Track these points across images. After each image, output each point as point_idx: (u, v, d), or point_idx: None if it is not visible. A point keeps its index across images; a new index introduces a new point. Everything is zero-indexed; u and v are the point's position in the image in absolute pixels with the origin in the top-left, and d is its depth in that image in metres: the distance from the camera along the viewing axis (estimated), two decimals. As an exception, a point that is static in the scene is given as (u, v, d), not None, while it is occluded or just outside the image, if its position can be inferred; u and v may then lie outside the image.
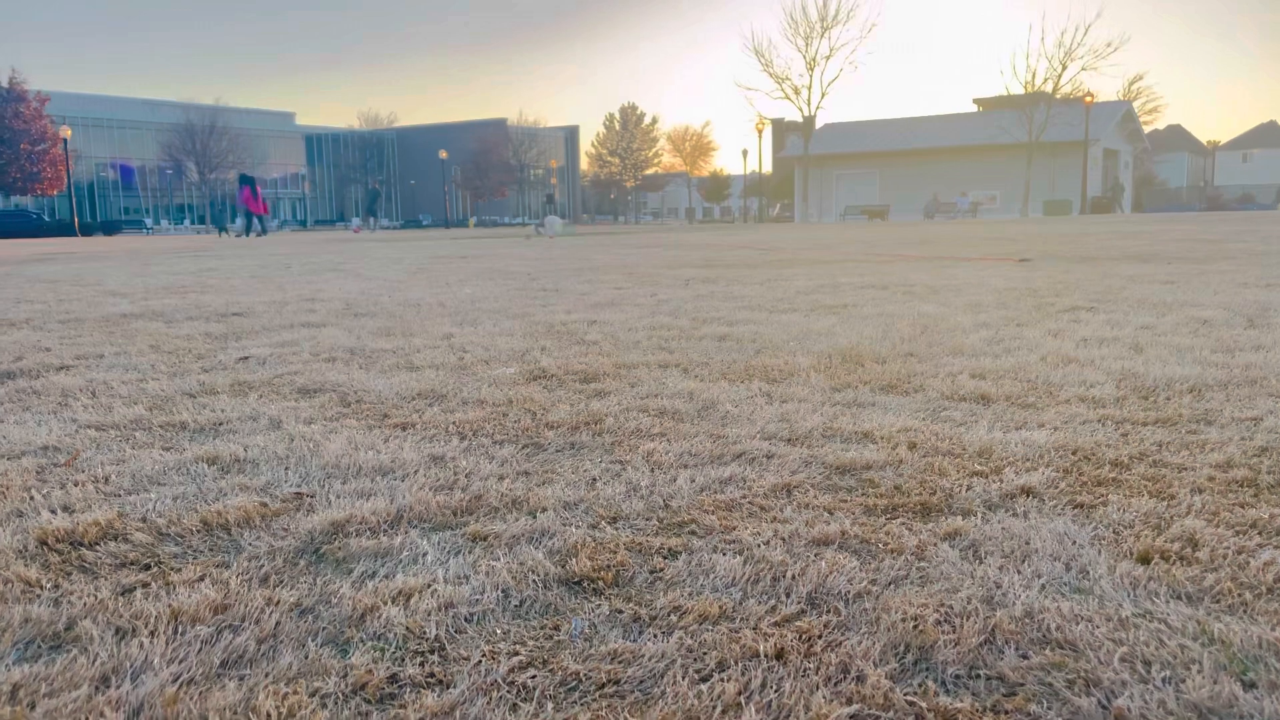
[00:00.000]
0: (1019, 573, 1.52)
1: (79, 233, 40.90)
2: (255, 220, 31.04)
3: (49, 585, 1.56)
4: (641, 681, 1.22)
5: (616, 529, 1.79)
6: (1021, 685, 1.18)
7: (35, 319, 5.70)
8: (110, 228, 49.18)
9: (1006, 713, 1.12)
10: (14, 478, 2.18)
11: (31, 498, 2.03)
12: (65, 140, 45.52)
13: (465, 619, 1.41)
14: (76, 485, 2.11)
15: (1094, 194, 52.99)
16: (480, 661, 1.28)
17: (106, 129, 70.86)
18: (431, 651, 1.32)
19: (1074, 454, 2.21)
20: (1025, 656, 1.25)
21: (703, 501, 1.93)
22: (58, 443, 2.52)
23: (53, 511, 1.93)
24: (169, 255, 16.53)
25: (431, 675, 1.25)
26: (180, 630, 1.38)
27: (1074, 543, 1.64)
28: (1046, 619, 1.34)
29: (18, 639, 1.36)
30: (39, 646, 1.35)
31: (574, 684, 1.22)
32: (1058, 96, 54.64)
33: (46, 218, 45.65)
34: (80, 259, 15.34)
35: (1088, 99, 51.35)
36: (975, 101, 66.39)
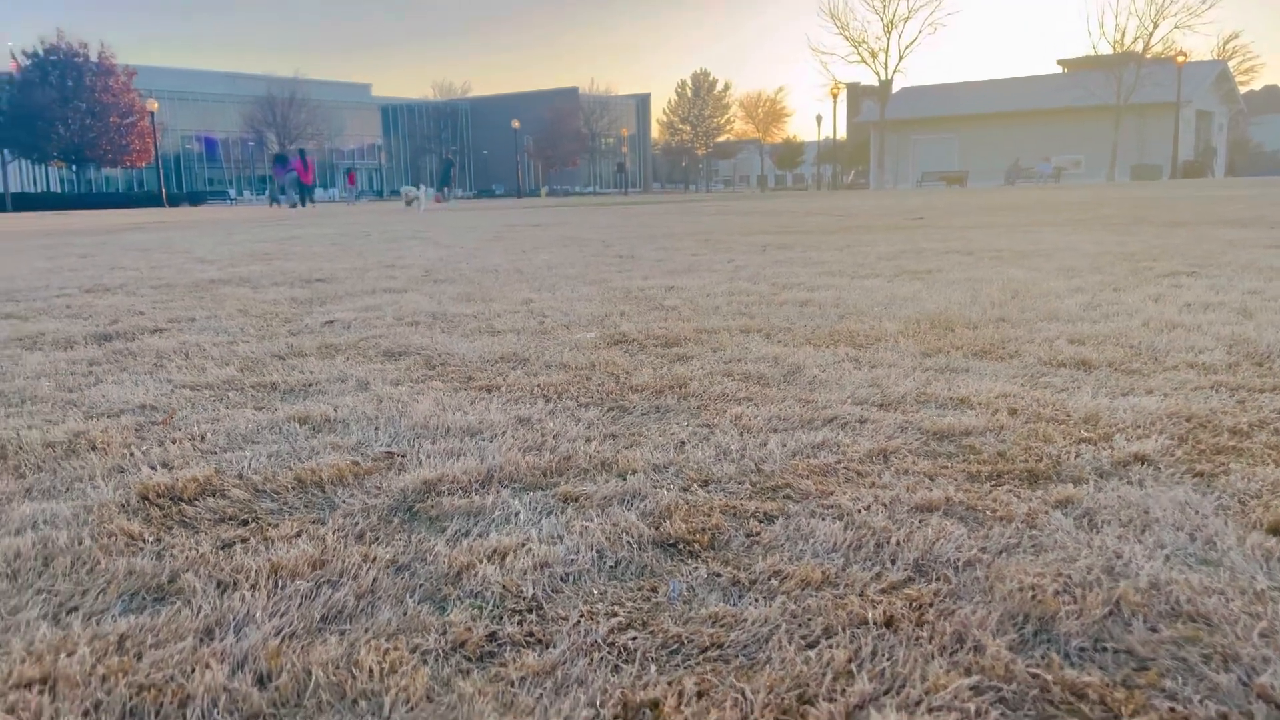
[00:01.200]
0: (1140, 543, 1.44)
1: (166, 204, 42.10)
2: (304, 190, 32.07)
3: (151, 539, 1.58)
4: (745, 646, 1.18)
5: (709, 492, 1.75)
6: (1153, 660, 1.11)
7: (129, 284, 5.87)
8: (195, 198, 50.59)
9: (1139, 688, 1.05)
10: (114, 435, 2.23)
11: (131, 454, 2.06)
12: (152, 113, 46.79)
13: (561, 579, 1.39)
14: (174, 443, 2.15)
15: (1185, 158, 50.88)
16: (579, 622, 1.25)
17: (190, 102, 72.64)
18: (529, 611, 1.29)
19: (1188, 421, 2.10)
20: (1155, 630, 1.18)
21: (796, 466, 1.88)
22: (154, 402, 2.57)
23: (152, 468, 1.96)
24: (252, 225, 16.90)
25: (530, 634, 1.23)
26: (280, 585, 1.38)
27: (1197, 512, 1.55)
28: (1175, 591, 1.27)
29: (123, 591, 1.38)
30: (143, 599, 1.36)
31: (676, 647, 1.19)
32: (1148, 56, 52.48)
33: (135, 189, 47.10)
34: (168, 228, 15.78)
35: (1180, 59, 49.21)
36: (1060, 63, 64.23)
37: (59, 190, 56.91)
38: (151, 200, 43.74)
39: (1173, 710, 1.01)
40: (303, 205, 31.20)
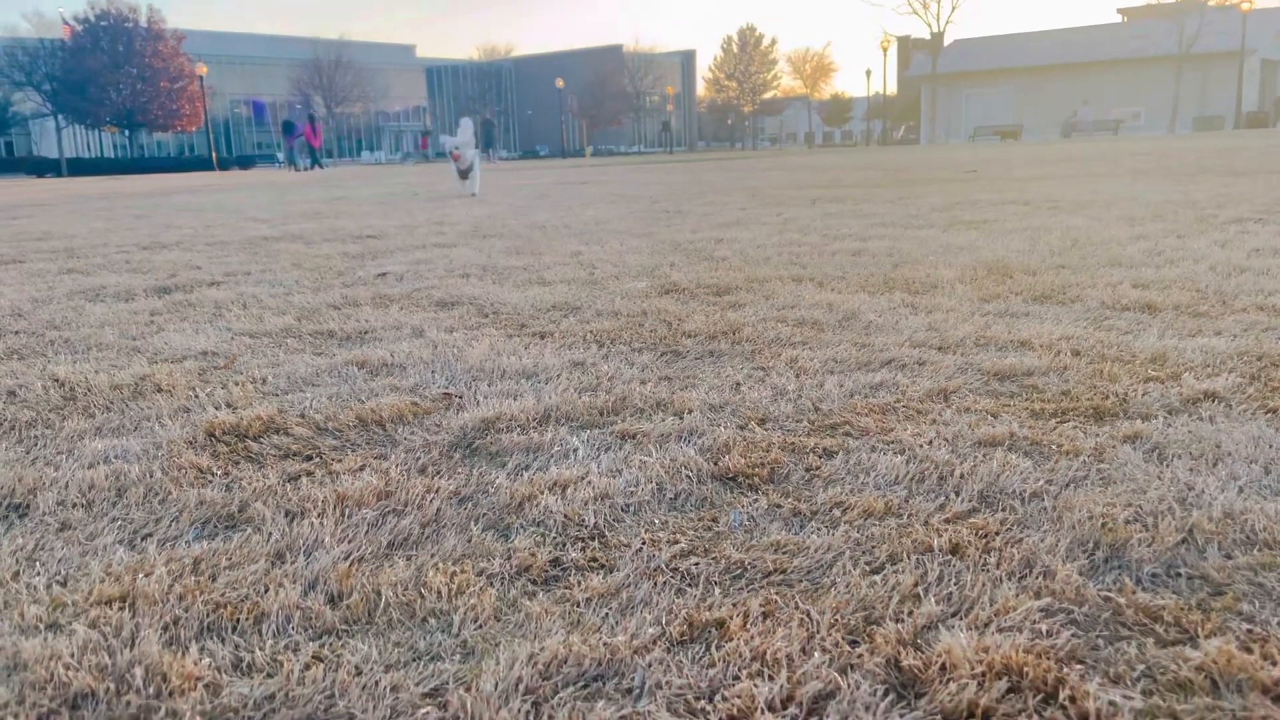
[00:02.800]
0: (1213, 475, 1.41)
1: (216, 167, 42.66)
2: (315, 154, 32.44)
3: (219, 472, 1.61)
4: (810, 571, 1.18)
5: (767, 430, 1.74)
6: (1229, 585, 1.09)
7: (184, 241, 5.96)
8: (245, 162, 51.14)
9: (1215, 611, 1.03)
10: (178, 378, 2.27)
11: (196, 395, 2.11)
12: (201, 77, 47.25)
13: (622, 509, 1.40)
14: (237, 385, 2.19)
15: (1249, 109, 49.18)
16: (641, 549, 1.26)
17: (238, 66, 73.21)
18: (592, 538, 1.30)
19: (1259, 360, 2.04)
20: (1229, 556, 1.15)
21: (854, 405, 1.86)
22: (215, 349, 2.62)
23: (217, 408, 2.00)
24: (301, 185, 17.06)
25: (594, 560, 1.24)
26: (347, 514, 1.40)
27: (1271, 446, 1.51)
28: (1250, 519, 1.24)
29: (194, 519, 1.41)
30: (215, 526, 1.39)
31: (738, 572, 1.19)
32: (1211, 3, 50.63)
33: (185, 154, 47.70)
34: (220, 190, 16.00)
35: (1245, 5, 47.38)
36: (1120, 11, 62.24)
37: (112, 155, 57.78)
38: (202, 164, 44.32)
39: (1250, 632, 0.99)
40: (311, 169, 31.61)
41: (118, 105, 50.11)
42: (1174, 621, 1.02)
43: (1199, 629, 1.00)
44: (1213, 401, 1.77)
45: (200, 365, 2.41)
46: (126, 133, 53.28)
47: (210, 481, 1.57)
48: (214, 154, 44.61)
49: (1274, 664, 0.93)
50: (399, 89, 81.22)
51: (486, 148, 42.52)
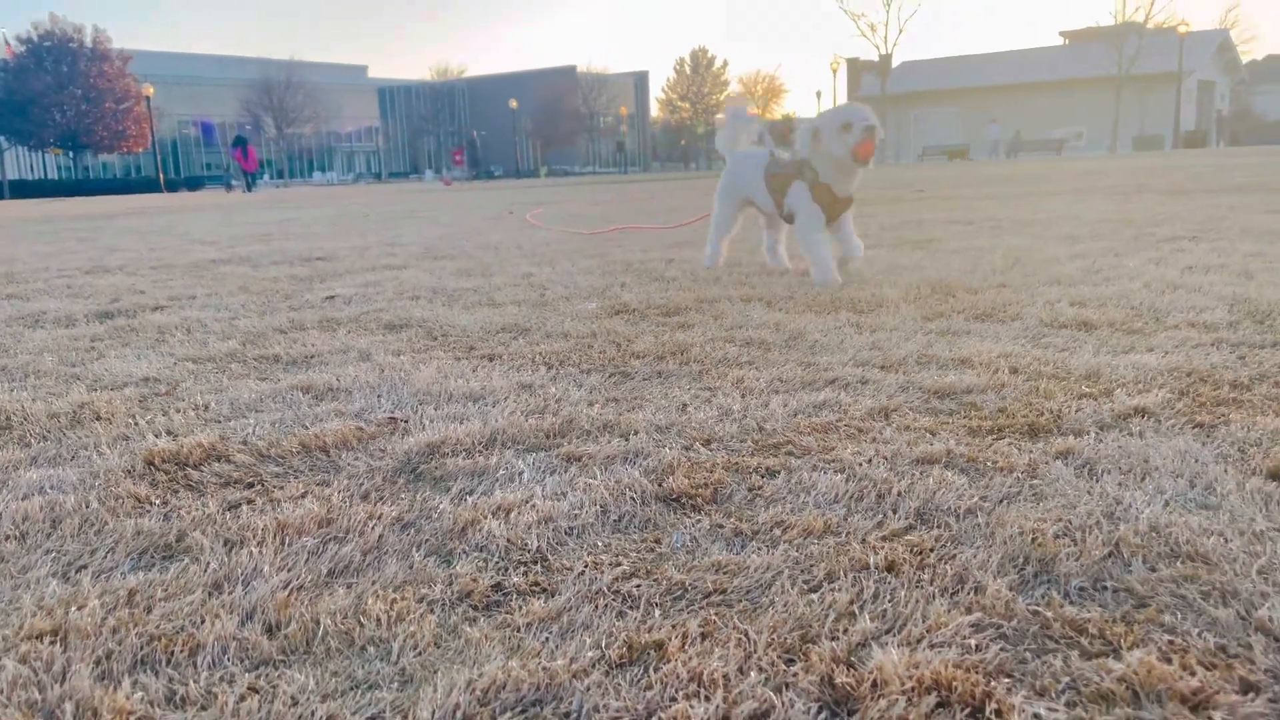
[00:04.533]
0: (1140, 489, 1.45)
1: (164, 189, 42.00)
2: (246, 176, 32.72)
3: (158, 502, 1.59)
4: (749, 591, 1.19)
5: (711, 450, 1.76)
6: (1153, 597, 1.12)
7: (128, 265, 5.87)
8: (194, 183, 50.39)
9: (1139, 623, 1.06)
10: (118, 405, 2.23)
11: (136, 423, 2.07)
12: (148, 98, 46.59)
13: (566, 532, 1.40)
14: (178, 412, 2.16)
15: (1187, 128, 50.61)
16: (584, 571, 1.27)
17: (187, 86, 72.22)
18: (534, 562, 1.31)
19: (1189, 376, 2.10)
20: (1154, 569, 1.19)
21: (798, 424, 1.89)
22: (157, 374, 2.58)
23: (157, 435, 1.97)
24: (251, 207, 16.88)
25: (536, 584, 1.24)
26: (287, 542, 1.39)
27: (1197, 460, 1.56)
28: (1174, 533, 1.28)
29: (131, 549, 1.39)
30: (152, 556, 1.37)
31: (679, 593, 1.20)
32: (1150, 26, 52.11)
33: (132, 175, 47.00)
34: (167, 212, 15.76)
35: (1182, 28, 48.85)
36: (1062, 34, 63.80)
37: (56, 177, 56.72)
38: (149, 186, 43.63)
39: (1171, 643, 1.02)
40: (246, 190, 31.79)
41: (62, 126, 49.25)
42: (1099, 634, 1.04)
43: (1122, 641, 1.03)
44: (1143, 417, 1.82)
45: (141, 392, 2.38)
46: (71, 154, 52.33)
47: (148, 511, 1.54)
48: (161, 175, 43.98)
49: (1192, 674, 0.96)
50: (351, 109, 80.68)
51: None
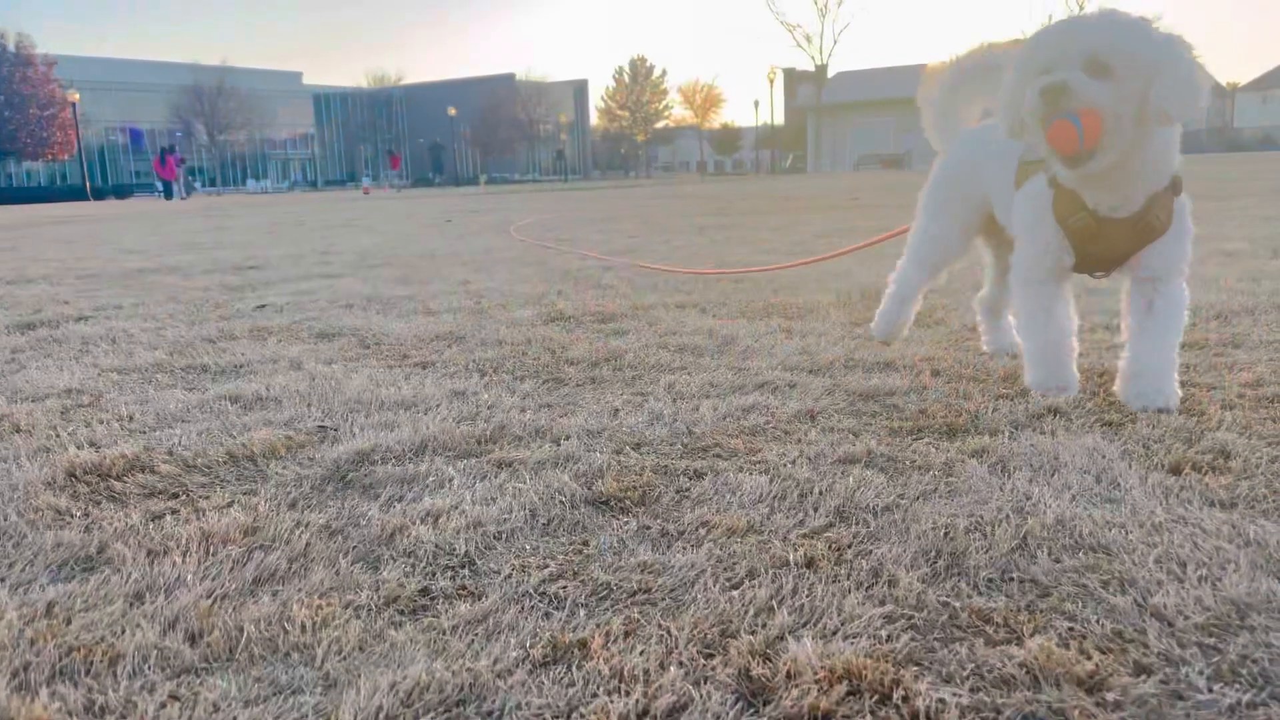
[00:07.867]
0: (1049, 485, 1.51)
1: (90, 197, 40.92)
2: (165, 185, 32.87)
3: (79, 513, 1.57)
4: (673, 589, 1.22)
5: (641, 454, 1.78)
6: (1056, 586, 1.17)
7: (53, 275, 5.72)
8: (121, 191, 49.19)
9: (1042, 611, 1.11)
10: (39, 417, 2.19)
11: (57, 435, 2.03)
12: (74, 104, 45.39)
13: (494, 536, 1.41)
14: (101, 423, 2.12)
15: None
16: (511, 575, 1.28)
17: (115, 92, 70.48)
18: (462, 566, 1.32)
19: (1100, 377, 2.19)
20: (1058, 560, 1.24)
21: (726, 427, 1.92)
22: (80, 385, 2.53)
23: (79, 447, 1.93)
24: (181, 215, 16.54)
25: (463, 588, 1.25)
26: (212, 551, 1.38)
27: (1104, 457, 1.63)
28: (1079, 525, 1.33)
29: (50, 562, 1.37)
30: (72, 569, 1.35)
31: (605, 593, 1.22)
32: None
33: (58, 183, 45.78)
34: (93, 221, 15.37)
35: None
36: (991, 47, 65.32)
37: (-23, 185, 54.90)
38: (75, 193, 42.45)
39: (1071, 629, 1.07)
40: (166, 199, 31.70)
41: (-17, 133, 47.73)
42: (1003, 622, 1.09)
43: (1025, 629, 1.07)
44: (1055, 416, 1.89)
45: (63, 404, 2.33)
46: (-8, 161, 50.74)
47: (69, 523, 1.52)
48: (88, 183, 42.82)
49: (1089, 658, 1.01)
50: (285, 116, 79.48)
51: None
